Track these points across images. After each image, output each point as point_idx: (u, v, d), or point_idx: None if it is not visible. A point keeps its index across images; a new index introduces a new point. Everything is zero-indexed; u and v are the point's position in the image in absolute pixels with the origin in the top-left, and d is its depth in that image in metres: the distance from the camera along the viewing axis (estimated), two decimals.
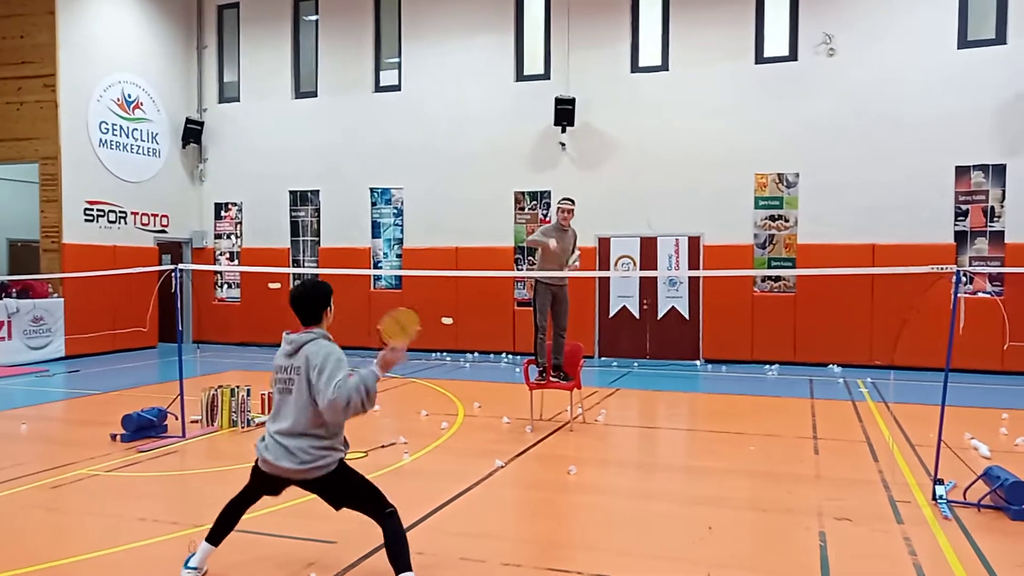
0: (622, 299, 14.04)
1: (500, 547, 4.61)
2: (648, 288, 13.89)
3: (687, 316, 13.71)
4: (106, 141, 14.53)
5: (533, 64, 14.61)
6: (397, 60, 15.40)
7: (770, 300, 13.28)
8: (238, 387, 7.93)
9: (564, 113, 13.83)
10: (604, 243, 14.07)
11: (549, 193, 14.37)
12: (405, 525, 4.86)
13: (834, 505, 5.41)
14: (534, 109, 14.24)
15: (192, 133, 16.14)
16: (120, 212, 14.82)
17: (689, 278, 13.65)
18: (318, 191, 15.82)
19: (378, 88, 15.53)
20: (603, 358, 14.03)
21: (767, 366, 12.77)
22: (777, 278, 13.26)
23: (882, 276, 11.93)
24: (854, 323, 12.63)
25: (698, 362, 13.53)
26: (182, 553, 4.12)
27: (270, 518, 4.91)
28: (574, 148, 14.19)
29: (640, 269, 13.84)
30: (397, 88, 15.35)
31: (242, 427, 7.85)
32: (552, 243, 7.90)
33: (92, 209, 14.23)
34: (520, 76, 14.64)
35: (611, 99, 13.96)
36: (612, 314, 14.09)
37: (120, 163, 14.83)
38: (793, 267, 13.01)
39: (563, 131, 14.04)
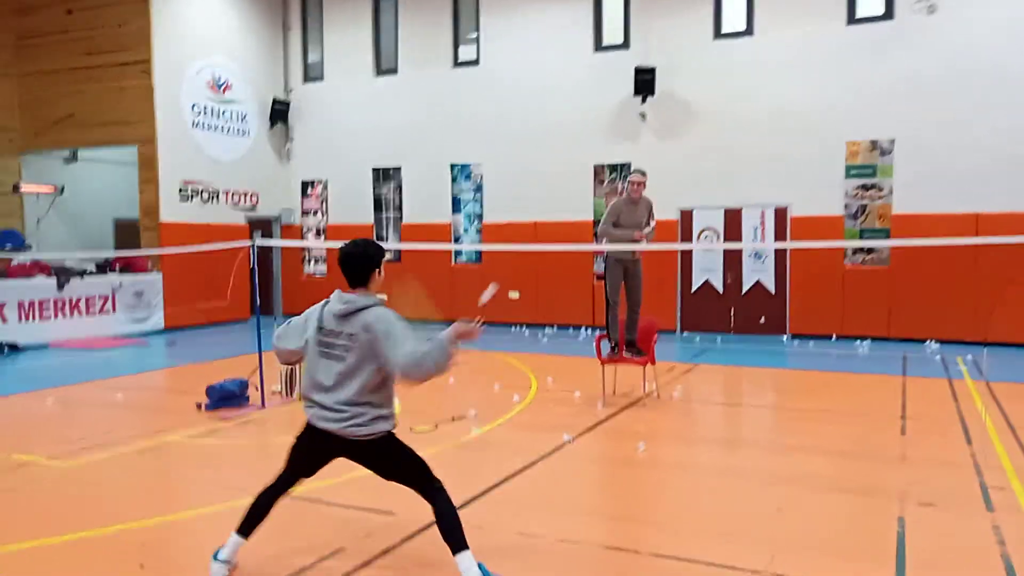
0: (705, 273, 13.68)
1: (559, 523, 4.56)
2: (732, 261, 13.47)
3: (773, 290, 13.23)
4: (199, 122, 15.08)
5: (612, 34, 14.28)
6: (475, 35, 15.34)
7: (862, 273, 12.67)
8: None
9: (644, 83, 13.48)
10: (686, 215, 13.71)
11: (629, 165, 14.06)
12: (467, 498, 4.94)
13: (918, 489, 5.12)
14: (613, 80, 13.94)
15: (279, 113, 16.56)
16: (212, 191, 15.38)
17: (776, 251, 13.16)
18: (400, 168, 16.00)
19: (457, 63, 15.52)
20: (685, 332, 13.73)
21: (858, 342, 12.22)
22: (870, 250, 12.62)
23: (987, 247, 11.18)
24: (955, 297, 11.91)
25: (784, 337, 13.07)
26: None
27: (328, 488, 5.00)
28: (655, 118, 13.83)
29: (724, 241, 13.43)
30: (475, 63, 15.30)
31: None
32: (625, 234, 7.75)
33: (186, 188, 14.82)
34: (599, 46, 14.34)
35: (693, 67, 13.51)
36: (695, 288, 13.75)
37: (212, 143, 15.38)
38: (887, 238, 12.35)
39: (643, 101, 13.70)
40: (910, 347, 11.71)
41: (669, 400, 8.06)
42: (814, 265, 12.76)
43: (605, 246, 7.95)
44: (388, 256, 3.74)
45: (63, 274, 12.57)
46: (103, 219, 16.70)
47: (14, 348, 11.52)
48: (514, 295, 10.04)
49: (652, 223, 8.11)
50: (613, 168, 14.15)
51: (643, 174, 8.09)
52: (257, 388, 7.73)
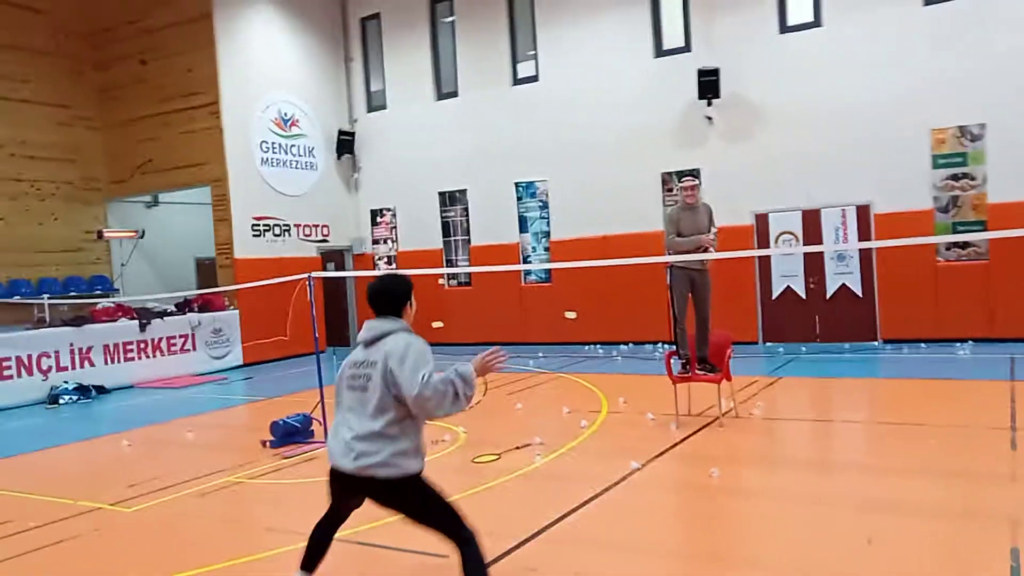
0: (785, 279, 13.01)
1: (622, 561, 4.22)
2: (814, 265, 12.77)
3: (860, 293, 12.45)
4: (267, 159, 15.40)
5: (672, 37, 13.86)
6: (533, 51, 15.17)
7: (957, 270, 11.78)
8: None
9: (708, 85, 13.00)
10: (762, 219, 13.10)
11: (698, 171, 13.55)
12: (523, 536, 4.65)
13: None
14: (676, 84, 13.50)
15: (345, 144, 16.78)
16: (284, 225, 15.66)
17: (860, 251, 12.39)
18: (465, 190, 15.93)
19: (516, 81, 15.38)
20: (768, 343, 13.07)
21: (957, 344, 11.34)
22: (965, 244, 11.74)
23: None
24: None
25: (876, 343, 12.27)
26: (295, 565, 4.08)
27: (383, 529, 4.79)
28: (722, 121, 13.31)
29: (803, 244, 12.75)
30: (535, 79, 15.12)
31: None
32: (691, 240, 7.37)
33: (258, 224, 15.13)
34: (659, 51, 13.94)
35: (759, 65, 12.95)
36: (775, 295, 13.09)
37: (281, 179, 15.67)
38: (983, 230, 11.46)
39: (708, 104, 13.20)
40: (1017, 347, 10.78)
41: (748, 418, 7.57)
42: (904, 264, 11.94)
43: (670, 257, 7.54)
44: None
45: (145, 315, 12.95)
46: (185, 259, 17.27)
47: (101, 390, 11.89)
48: (571, 315, 9.70)
49: (714, 228, 7.66)
50: (681, 175, 13.62)
51: (694, 177, 7.68)
52: (320, 423, 7.65)
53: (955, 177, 11.73)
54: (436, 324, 9.39)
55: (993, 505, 4.75)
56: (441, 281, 16.23)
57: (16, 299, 14.12)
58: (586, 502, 5.25)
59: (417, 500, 3.42)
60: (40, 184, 15.05)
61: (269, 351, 14.74)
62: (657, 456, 6.36)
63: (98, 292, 15.26)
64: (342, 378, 3.60)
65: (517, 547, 4.50)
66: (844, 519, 4.67)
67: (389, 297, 3.60)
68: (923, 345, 11.59)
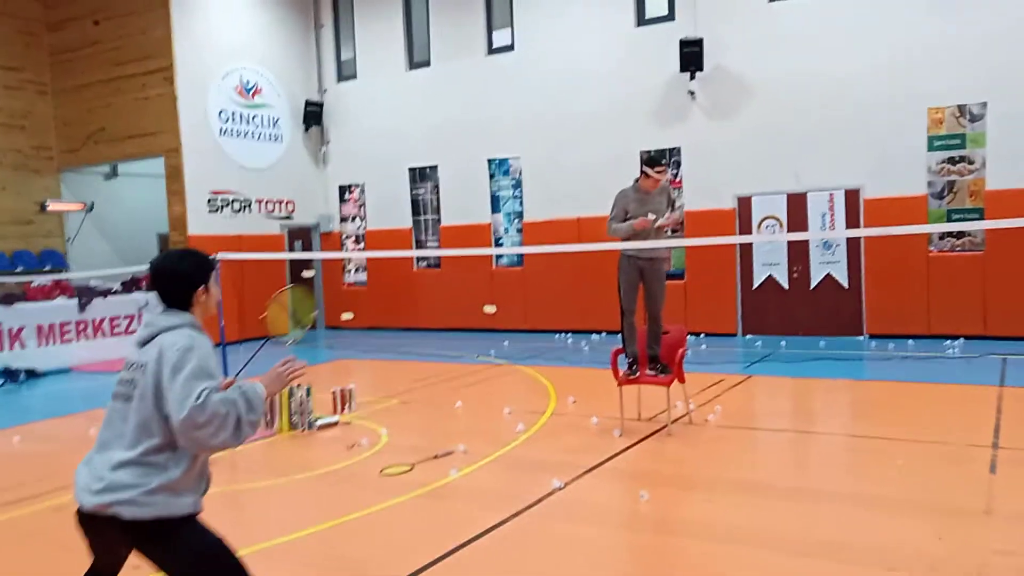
0: (767, 267, 12.18)
1: None
2: (798, 253, 11.92)
3: (846, 284, 11.62)
4: (227, 129, 14.56)
5: (655, 4, 12.92)
6: (509, 17, 14.24)
7: (951, 261, 10.93)
8: (298, 386, 7.25)
9: (691, 57, 12.09)
10: (744, 203, 12.23)
11: (679, 150, 12.72)
12: (407, 572, 3.90)
13: (1006, 562, 3.76)
14: (658, 56, 12.59)
15: (313, 115, 15.92)
16: (244, 200, 14.85)
17: (848, 239, 11.54)
18: (436, 166, 15.08)
19: (491, 50, 14.47)
20: (748, 336, 12.26)
21: (948, 341, 10.52)
22: (960, 234, 10.88)
23: None
24: None
25: (861, 338, 11.45)
26: None
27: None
28: (705, 96, 12.41)
29: (787, 231, 11.90)
30: (510, 48, 14.21)
31: (302, 430, 7.16)
32: (638, 222, 6.51)
33: (216, 199, 14.33)
34: (641, 20, 13.02)
35: (745, 36, 12.03)
36: (756, 285, 12.26)
37: (242, 150, 14.83)
38: (980, 219, 10.59)
39: (691, 78, 12.30)
40: (1011, 346, 9.96)
41: (702, 425, 6.78)
42: (894, 253, 11.09)
43: (620, 244, 6.72)
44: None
45: (85, 294, 12.20)
46: (146, 234, 16.44)
47: (32, 374, 11.17)
48: (490, 309, 8.91)
49: (670, 211, 6.80)
50: (661, 154, 12.77)
51: (664, 167, 6.74)
52: None
53: (952, 160, 10.85)
54: (346, 315, 8.60)
55: (959, 550, 3.96)
56: (308, 273, 15.59)
57: None
58: (488, 530, 4.48)
59: (180, 554, 2.59)
60: None
61: (226, 334, 13.97)
62: (587, 471, 5.58)
63: (47, 268, 14.52)
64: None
65: None
66: (771, 564, 3.89)
67: (170, 281, 2.76)
68: (911, 342, 10.77)
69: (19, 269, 14.15)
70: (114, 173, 16.01)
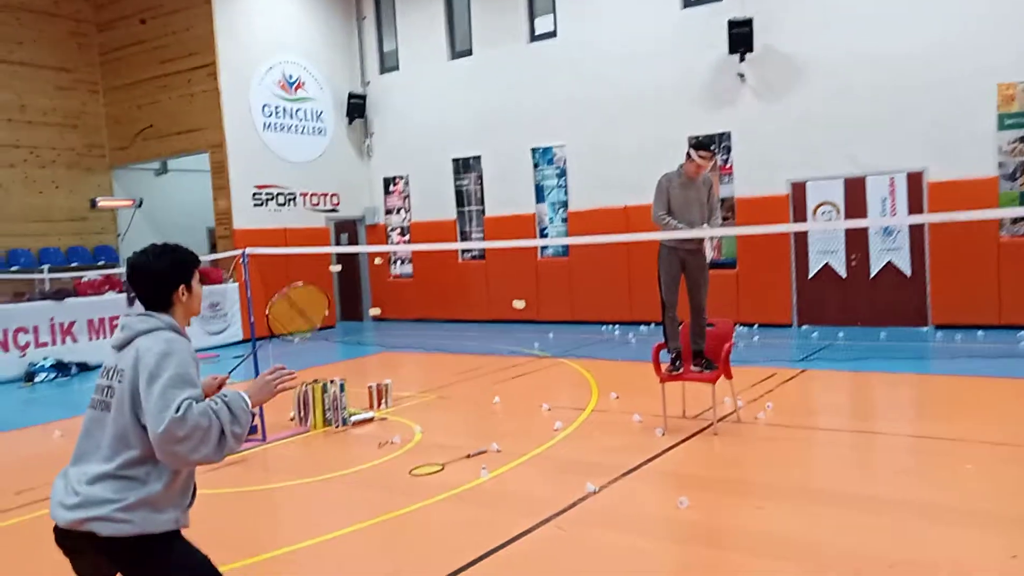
0: (824, 255, 11.62)
1: None
2: (857, 240, 11.34)
3: (908, 272, 11.00)
4: (270, 124, 14.57)
5: None
6: (551, 3, 13.89)
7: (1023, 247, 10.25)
8: (332, 381, 7.10)
9: (740, 38, 11.58)
10: (798, 189, 11.69)
11: (728, 135, 12.23)
12: None
13: None
14: (705, 38, 12.10)
15: (356, 108, 15.84)
16: (288, 194, 14.86)
17: (911, 226, 10.92)
18: (479, 156, 14.85)
19: (533, 38, 14.15)
20: (803, 326, 11.74)
21: (1021, 332, 9.86)
22: None
23: None
24: None
25: (925, 329, 10.83)
26: None
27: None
28: (755, 78, 11.89)
29: (845, 217, 11.33)
30: (553, 34, 13.87)
31: (336, 426, 7.02)
32: (680, 225, 6.16)
33: (260, 193, 14.36)
34: (687, 1, 12.53)
35: (797, 14, 11.46)
36: (812, 274, 11.72)
37: (286, 145, 14.84)
38: None
39: (741, 59, 11.79)
40: None
41: (751, 424, 6.41)
42: (961, 239, 10.44)
43: (660, 234, 6.37)
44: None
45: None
46: (196, 230, 16.61)
47: (84, 368, 11.33)
48: (519, 304, 8.62)
49: (717, 209, 6.43)
50: (711, 139, 12.29)
51: (711, 152, 6.35)
52: (258, 418, 6.79)
53: None
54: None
55: None
56: (377, 260, 15.37)
57: (14, 270, 13.74)
58: (512, 540, 4.22)
59: (158, 572, 2.39)
60: (40, 151, 14.56)
61: (265, 328, 14.02)
62: (625, 473, 5.28)
63: (101, 264, 14.77)
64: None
65: None
66: None
67: (147, 281, 2.57)
68: (980, 332, 10.14)
69: (73, 264, 14.44)
70: (164, 169, 16.24)
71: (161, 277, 2.58)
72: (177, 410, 2.30)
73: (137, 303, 2.62)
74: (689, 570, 3.94)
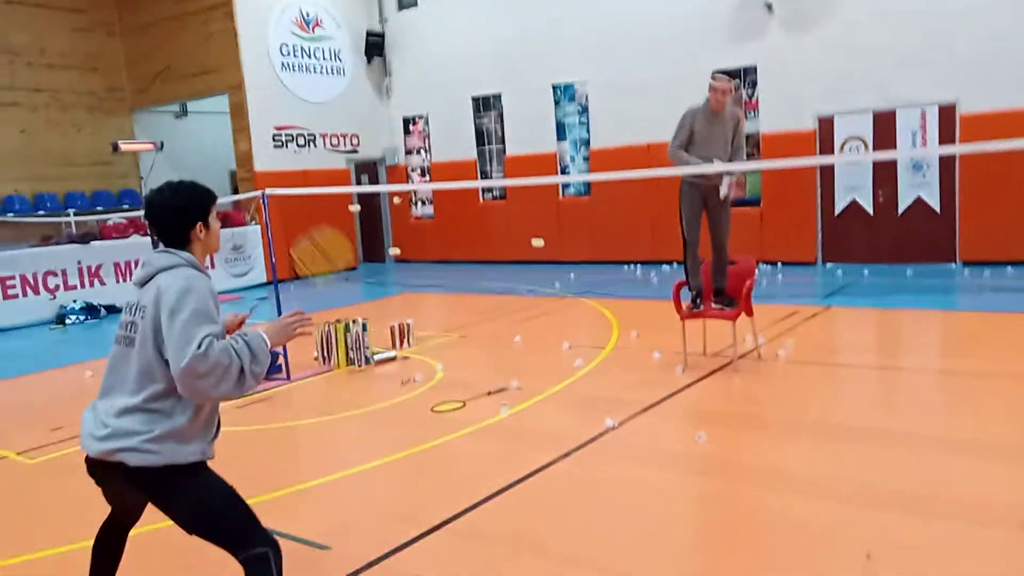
0: (851, 191, 11.40)
1: (532, 570, 3.26)
2: (885, 175, 11.10)
3: (938, 209, 10.78)
4: (288, 64, 14.42)
5: None
6: None
7: None
8: (354, 321, 7.16)
9: None
10: (826, 124, 11.41)
11: (755, 69, 11.92)
12: (441, 519, 3.76)
13: None
14: None
15: (374, 46, 15.61)
16: (308, 135, 14.79)
17: (940, 160, 10.65)
18: (500, 95, 14.62)
19: None
20: (828, 263, 11.61)
21: None
22: None
23: None
24: None
25: (953, 265, 10.66)
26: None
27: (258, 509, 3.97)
28: (784, 8, 11.50)
29: (873, 151, 11.06)
30: None
31: (359, 365, 7.11)
32: (706, 167, 5.99)
33: (280, 135, 14.30)
34: None
35: None
36: (839, 211, 11.52)
37: (304, 85, 14.70)
38: None
39: None
40: None
41: (772, 361, 6.39)
42: (993, 173, 10.18)
43: (681, 168, 6.26)
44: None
45: None
46: (219, 172, 16.63)
47: (112, 310, 11.53)
48: (538, 243, 8.54)
49: (741, 145, 6.29)
50: (736, 73, 11.98)
51: (729, 79, 6.22)
52: (283, 356, 6.88)
53: None
54: (393, 251, 8.38)
55: None
56: (396, 200, 15.24)
57: (40, 214, 13.90)
58: (531, 473, 4.29)
59: (187, 502, 2.47)
60: (61, 94, 14.56)
61: (285, 270, 14.14)
62: (645, 409, 5.31)
63: (126, 207, 14.89)
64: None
65: (422, 536, 3.62)
66: (845, 518, 3.55)
67: (165, 218, 2.60)
68: (1009, 268, 9.96)
69: (98, 208, 14.57)
70: (184, 112, 16.20)
71: (178, 214, 2.61)
72: (199, 347, 2.34)
73: (160, 245, 2.66)
74: (706, 503, 3.98)
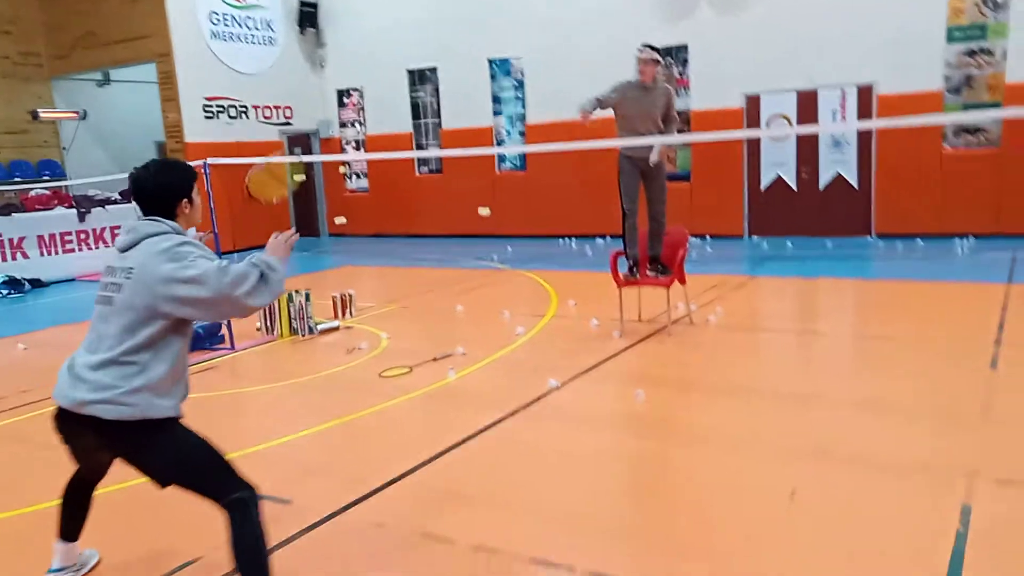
0: (775, 167, 11.90)
1: (485, 519, 3.47)
2: (807, 152, 11.63)
3: (856, 184, 11.37)
4: (218, 33, 14.09)
5: None
6: None
7: (965, 159, 10.64)
8: (297, 291, 7.21)
9: None
10: (753, 102, 11.86)
11: (686, 47, 12.26)
12: (401, 471, 3.93)
13: (1002, 461, 3.74)
14: None
15: (307, 16, 15.36)
16: (241, 107, 14.52)
17: (859, 138, 11.21)
18: (435, 68, 14.62)
19: None
20: (753, 237, 12.12)
21: (958, 240, 10.36)
22: (975, 130, 10.54)
23: None
24: None
25: (869, 238, 11.29)
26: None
27: None
28: None
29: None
30: None
31: (303, 335, 7.16)
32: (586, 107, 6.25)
33: (211, 105, 14.00)
34: None
35: None
36: (765, 186, 12.02)
37: (235, 55, 14.40)
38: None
39: None
40: (1022, 244, 9.80)
41: (703, 326, 6.74)
42: (906, 152, 10.80)
43: (619, 141, 6.49)
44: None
45: (84, 204, 12.09)
46: (144, 143, 16.15)
47: (37, 284, 11.19)
48: (484, 212, 8.77)
49: (673, 119, 6.57)
50: (667, 51, 12.29)
51: (655, 50, 6.50)
52: (226, 326, 6.89)
53: (971, 53, 10.41)
54: (339, 220, 8.44)
55: (953, 448, 3.95)
56: (342, 170, 15.27)
57: None
58: (481, 430, 4.49)
59: (163, 455, 2.57)
60: None
61: (225, 242, 13.91)
62: (585, 372, 5.58)
63: (46, 177, 14.36)
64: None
65: (380, 489, 3.78)
66: (769, 463, 3.88)
67: (153, 194, 2.72)
68: (920, 241, 10.61)
69: (16, 179, 14.01)
70: (106, 80, 15.64)
71: (168, 190, 2.73)
72: (219, 267, 2.52)
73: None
74: (643, 456, 4.25)
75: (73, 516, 2.94)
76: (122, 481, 3.30)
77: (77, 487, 2.92)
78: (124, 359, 2.53)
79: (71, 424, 2.61)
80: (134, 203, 2.78)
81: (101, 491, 3.03)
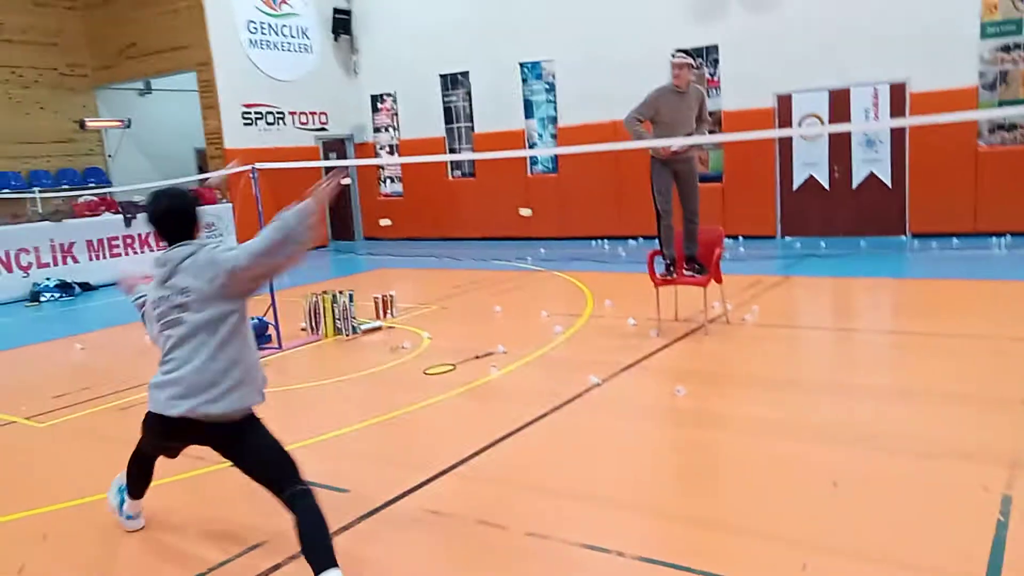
0: (808, 167, 11.92)
1: (536, 506, 3.62)
2: (840, 151, 11.63)
3: (889, 183, 11.35)
4: (256, 41, 14.43)
5: None
6: None
7: (1001, 156, 10.59)
8: (340, 292, 7.42)
9: None
10: (784, 101, 11.89)
11: (716, 48, 12.33)
12: (453, 462, 4.10)
13: None
14: None
15: (341, 23, 15.66)
16: (278, 113, 14.83)
17: (892, 136, 11.20)
18: (467, 72, 14.83)
19: None
20: (787, 237, 12.14)
21: (995, 239, 10.31)
22: (1012, 127, 10.49)
23: None
24: None
25: (903, 238, 11.26)
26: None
27: None
28: None
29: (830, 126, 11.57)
30: None
31: (347, 335, 7.37)
32: (644, 134, 6.39)
33: (249, 112, 14.33)
34: None
35: None
36: (796, 186, 12.04)
37: (272, 62, 14.72)
38: None
39: None
40: None
41: (739, 325, 6.83)
42: (940, 150, 10.77)
43: (647, 142, 6.61)
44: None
45: (130, 210, 12.45)
46: (184, 150, 16.60)
47: (86, 287, 11.56)
48: (525, 212, 8.90)
49: (705, 121, 6.68)
50: (698, 52, 12.38)
51: (686, 55, 6.59)
52: (274, 326, 7.11)
53: (1006, 48, 10.37)
54: (384, 222, 8.63)
55: (994, 440, 4.02)
56: (345, 181, 15.43)
57: (6, 192, 13.75)
58: (522, 427, 4.64)
59: (251, 440, 2.94)
60: (22, 71, 14.36)
61: None
62: (624, 369, 5.70)
63: (91, 184, 14.78)
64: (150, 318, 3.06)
65: (428, 481, 3.95)
66: (811, 455, 3.99)
67: (178, 217, 2.99)
68: (955, 240, 10.58)
69: (64, 186, 14.45)
70: (148, 89, 16.07)
71: (191, 214, 3.02)
72: (248, 243, 2.83)
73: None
74: (688, 445, 4.37)
75: (141, 479, 3.38)
76: (179, 472, 3.51)
77: (143, 461, 3.31)
78: (218, 354, 2.82)
79: (176, 428, 2.93)
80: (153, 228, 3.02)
81: (167, 480, 3.25)
